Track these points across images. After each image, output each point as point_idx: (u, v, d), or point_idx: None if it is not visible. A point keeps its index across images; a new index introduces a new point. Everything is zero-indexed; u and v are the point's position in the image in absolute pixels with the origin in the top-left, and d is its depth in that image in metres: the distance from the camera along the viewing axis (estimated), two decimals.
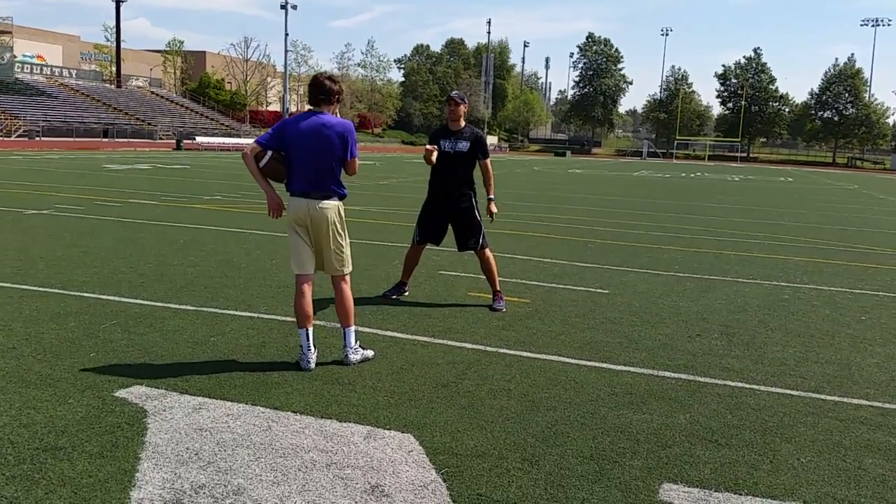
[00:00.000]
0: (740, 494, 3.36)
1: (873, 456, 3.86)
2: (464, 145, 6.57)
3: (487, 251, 6.77)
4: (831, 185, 40.83)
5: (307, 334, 4.84)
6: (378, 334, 5.64)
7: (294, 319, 5.82)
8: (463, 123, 6.68)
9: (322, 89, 4.89)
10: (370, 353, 5.02)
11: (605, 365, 5.19)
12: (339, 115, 5.03)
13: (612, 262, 9.67)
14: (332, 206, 4.88)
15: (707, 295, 7.86)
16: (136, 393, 4.20)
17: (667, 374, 5.07)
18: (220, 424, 3.80)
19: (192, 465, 3.33)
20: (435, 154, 6.46)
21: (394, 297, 6.94)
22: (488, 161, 6.71)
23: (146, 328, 5.51)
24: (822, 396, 4.77)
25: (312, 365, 4.78)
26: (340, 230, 4.95)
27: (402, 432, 3.82)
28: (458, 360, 5.11)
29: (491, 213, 6.80)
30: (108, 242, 9.33)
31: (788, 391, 4.84)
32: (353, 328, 4.97)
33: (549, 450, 3.72)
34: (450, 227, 6.82)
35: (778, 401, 4.65)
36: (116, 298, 6.39)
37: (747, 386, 4.90)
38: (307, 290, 4.94)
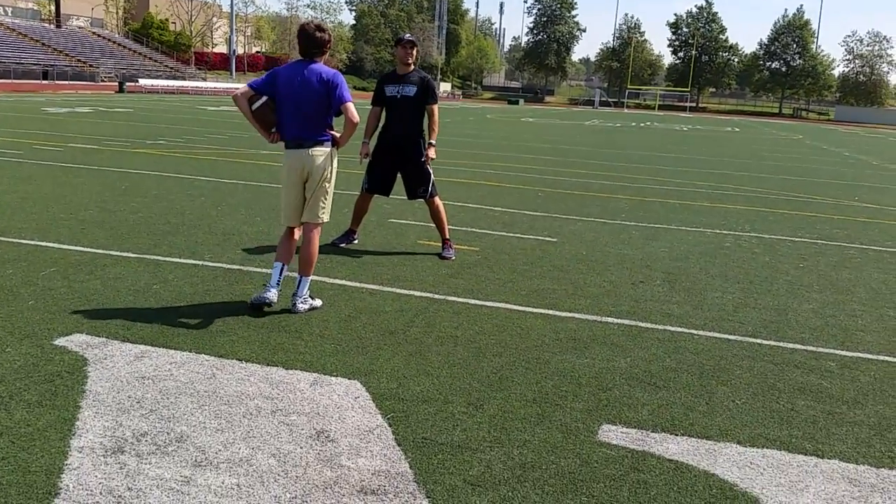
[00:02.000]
0: (676, 435, 3.46)
1: (805, 398, 4.00)
2: (410, 89, 6.48)
3: (437, 199, 6.75)
4: (777, 135, 41.55)
5: (281, 269, 4.95)
6: (326, 282, 5.62)
7: (240, 267, 5.78)
8: (412, 68, 6.58)
9: (313, 41, 4.87)
10: (318, 302, 5.00)
11: (550, 312, 5.26)
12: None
13: (562, 211, 9.74)
14: (325, 152, 4.93)
15: (651, 243, 7.99)
16: (76, 341, 4.13)
17: (610, 319, 5.17)
18: (162, 372, 3.76)
19: (134, 413, 3.30)
20: (366, 156, 6.63)
21: (342, 244, 6.90)
22: (435, 106, 6.62)
23: (86, 276, 5.40)
24: (759, 341, 4.92)
25: (273, 298, 4.84)
26: (331, 177, 5.01)
27: (349, 379, 3.84)
28: (406, 308, 5.13)
29: (428, 158, 6.65)
30: (47, 188, 9.07)
31: (726, 336, 4.98)
32: (308, 279, 4.96)
33: (493, 394, 3.78)
34: (399, 175, 6.77)
35: (716, 345, 4.78)
36: (56, 245, 6.23)
37: (686, 331, 5.03)
38: (295, 231, 5.07)
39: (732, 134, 39.64)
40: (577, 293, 5.80)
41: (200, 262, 5.95)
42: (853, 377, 4.36)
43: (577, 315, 5.22)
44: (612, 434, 3.42)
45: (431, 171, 6.69)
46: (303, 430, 3.25)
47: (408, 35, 6.61)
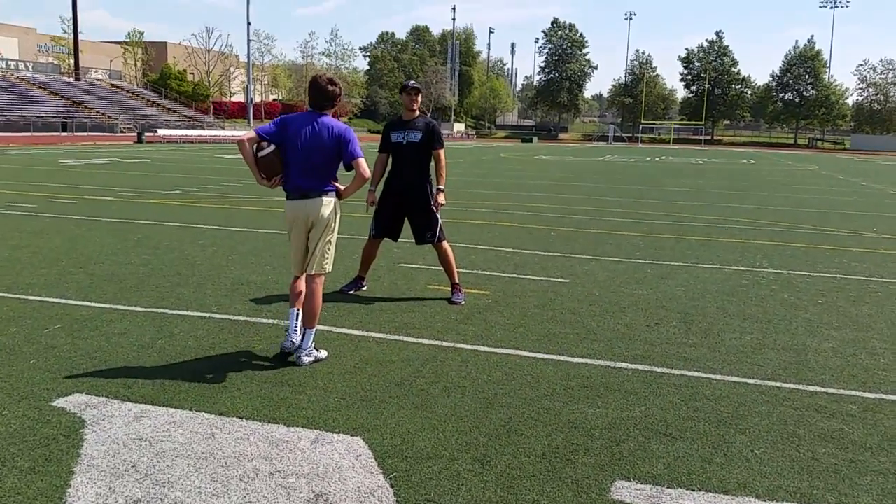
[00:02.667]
0: (692, 490, 3.31)
1: (826, 445, 3.84)
2: (416, 135, 6.46)
3: (445, 244, 6.67)
4: (792, 166, 41.34)
5: (297, 315, 4.91)
6: (332, 332, 5.53)
7: (246, 318, 5.72)
8: (417, 113, 6.56)
9: (325, 94, 4.90)
10: (323, 353, 4.91)
11: (562, 357, 5.13)
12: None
13: (575, 251, 9.63)
14: (329, 202, 4.91)
15: (667, 281, 7.84)
16: (75, 402, 4.05)
17: (624, 365, 5.03)
18: (160, 433, 3.66)
19: (129, 479, 3.20)
20: (372, 204, 6.60)
21: (351, 292, 6.82)
22: (441, 151, 6.56)
23: (91, 332, 5.34)
24: (778, 384, 4.76)
25: (297, 340, 4.84)
26: (334, 227, 4.99)
27: (352, 435, 3.72)
28: (413, 357, 5.01)
29: (437, 204, 6.57)
30: (58, 242, 9.09)
31: (745, 379, 4.82)
32: (313, 330, 4.88)
33: (501, 449, 3.64)
34: (406, 219, 6.70)
35: (734, 390, 4.62)
36: (63, 301, 6.19)
37: (704, 375, 4.87)
38: (303, 278, 5.03)
39: (748, 166, 39.47)
40: (590, 337, 5.66)
41: (207, 315, 5.88)
42: (876, 421, 4.18)
43: (589, 361, 5.08)
44: (626, 491, 3.27)
45: (439, 216, 6.62)
46: (301, 493, 3.13)
47: (412, 82, 6.59)
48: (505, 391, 4.44)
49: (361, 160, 4.85)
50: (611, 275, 8.12)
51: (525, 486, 3.27)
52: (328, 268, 4.98)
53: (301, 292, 4.98)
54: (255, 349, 5.08)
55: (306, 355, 4.78)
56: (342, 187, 4.96)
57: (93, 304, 6.10)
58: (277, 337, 5.34)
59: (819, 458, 3.68)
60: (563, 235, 11.04)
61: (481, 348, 5.28)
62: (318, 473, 3.30)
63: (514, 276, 7.88)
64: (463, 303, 6.56)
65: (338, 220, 4.99)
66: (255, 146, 4.86)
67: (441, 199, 6.57)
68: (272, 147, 4.84)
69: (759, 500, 3.25)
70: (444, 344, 5.35)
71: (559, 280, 7.73)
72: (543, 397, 4.37)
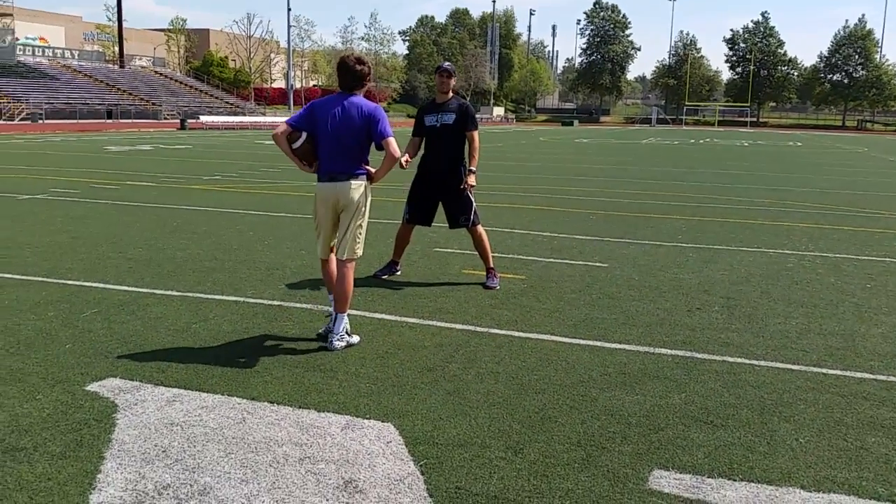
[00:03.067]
0: (734, 480, 3.19)
1: (876, 434, 3.68)
2: (449, 117, 6.36)
3: (479, 228, 6.56)
4: (840, 148, 40.30)
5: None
6: (366, 317, 5.48)
7: (280, 303, 5.71)
8: (450, 95, 6.45)
9: (354, 74, 4.82)
10: (355, 339, 4.86)
11: (598, 343, 5.01)
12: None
13: (614, 234, 9.46)
14: (359, 186, 4.83)
15: (709, 266, 7.65)
16: (108, 386, 4.06)
17: (663, 351, 4.90)
18: (192, 418, 3.65)
19: (159, 464, 3.18)
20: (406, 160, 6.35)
21: (384, 277, 6.77)
22: (475, 132, 6.45)
23: (127, 316, 5.36)
24: (824, 370, 4.59)
25: None
26: (365, 211, 4.91)
27: (383, 421, 3.66)
28: (446, 343, 4.94)
29: (469, 186, 6.44)
30: (99, 227, 9.19)
31: (789, 366, 4.66)
32: (344, 315, 4.82)
33: (534, 436, 3.55)
34: (441, 204, 6.62)
35: (778, 376, 4.47)
36: (101, 285, 6.24)
37: (747, 361, 4.72)
38: (332, 259, 4.97)
39: (794, 148, 38.58)
40: (629, 322, 5.53)
41: (242, 299, 5.88)
42: None
43: (627, 347, 4.96)
44: (665, 481, 3.16)
45: (473, 199, 6.51)
46: (330, 479, 3.08)
47: (446, 63, 6.49)
48: (539, 377, 4.35)
49: (391, 140, 4.77)
50: (651, 258, 7.95)
51: (559, 475, 3.18)
52: (359, 252, 4.92)
53: (335, 277, 4.93)
54: (288, 333, 5.05)
55: (338, 340, 4.73)
56: (373, 170, 4.89)
57: (130, 289, 6.14)
58: (311, 321, 5.31)
59: (868, 448, 3.53)
60: (602, 219, 10.86)
61: (516, 333, 5.19)
62: (348, 459, 3.25)
63: (551, 260, 7.76)
64: (498, 287, 6.46)
65: (368, 203, 4.93)
66: (289, 138, 4.82)
67: (472, 180, 6.45)
68: (304, 136, 4.80)
69: (804, 490, 3.12)
70: (478, 329, 5.27)
71: (597, 264, 7.59)
72: (579, 384, 4.26)
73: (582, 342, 5.03)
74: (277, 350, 4.70)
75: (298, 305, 5.75)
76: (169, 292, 6.05)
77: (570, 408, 3.92)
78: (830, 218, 11.51)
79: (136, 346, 4.74)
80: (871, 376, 4.50)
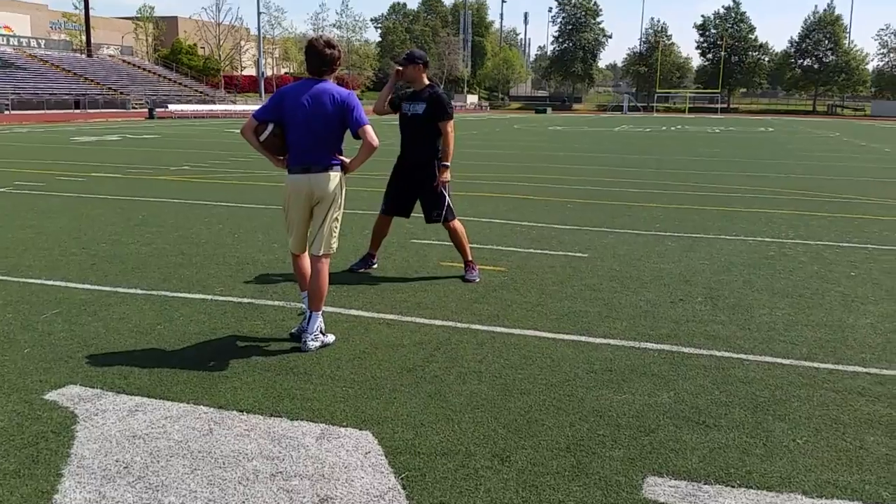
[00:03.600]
0: (732, 486, 3.03)
1: (875, 432, 3.54)
2: (419, 107, 6.07)
3: (454, 223, 6.30)
4: (812, 132, 40.57)
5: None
6: (341, 314, 5.26)
7: (251, 300, 5.48)
8: (425, 83, 6.19)
9: (323, 58, 4.53)
10: (330, 338, 4.64)
11: (583, 338, 4.84)
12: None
13: (592, 223, 9.31)
14: (335, 177, 4.57)
15: (690, 255, 7.52)
16: (68, 394, 3.81)
17: (649, 345, 4.74)
18: (156, 430, 3.41)
19: (120, 482, 2.95)
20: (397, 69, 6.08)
21: (361, 270, 6.55)
22: (447, 123, 6.08)
23: (89, 317, 5.09)
24: (815, 364, 4.46)
25: None
26: (341, 203, 4.66)
27: (360, 429, 3.46)
28: (425, 341, 4.74)
29: (441, 182, 6.16)
30: (63, 221, 8.86)
31: (779, 360, 4.52)
32: (319, 313, 4.59)
33: (521, 442, 3.37)
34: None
35: (768, 371, 4.33)
36: (63, 284, 5.96)
37: (735, 356, 4.58)
38: (305, 255, 4.74)
39: (766, 134, 38.77)
40: (612, 315, 5.37)
41: (210, 297, 5.63)
42: None
43: (612, 341, 4.80)
44: (660, 489, 2.99)
45: (447, 194, 6.25)
46: (304, 497, 2.87)
47: (408, 52, 6.17)
48: (524, 376, 4.17)
49: (368, 127, 4.52)
50: (631, 248, 7.81)
51: (549, 485, 3.00)
52: (335, 247, 4.69)
53: (308, 273, 4.70)
54: (259, 334, 4.82)
55: (312, 340, 4.51)
56: (348, 160, 4.65)
57: (93, 287, 5.87)
58: (283, 320, 5.09)
59: (868, 448, 3.39)
60: (579, 207, 10.70)
61: (498, 329, 5.01)
62: (324, 474, 3.04)
63: (531, 250, 7.58)
64: (478, 280, 6.27)
65: (344, 195, 4.70)
66: (255, 131, 4.57)
67: (445, 175, 6.17)
68: (270, 127, 4.54)
69: (806, 496, 2.97)
70: (459, 325, 5.08)
71: (577, 254, 7.43)
72: (565, 382, 4.09)
73: (566, 337, 4.86)
74: (247, 352, 4.47)
75: (270, 303, 5.51)
76: (133, 290, 5.79)
77: (556, 409, 3.74)
78: (808, 204, 11.45)
79: (97, 348, 4.49)
80: (864, 370, 4.37)
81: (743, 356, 4.58)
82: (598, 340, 4.81)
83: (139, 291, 5.76)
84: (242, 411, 3.63)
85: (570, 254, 7.46)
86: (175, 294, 5.69)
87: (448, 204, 6.23)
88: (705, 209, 10.73)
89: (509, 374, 4.19)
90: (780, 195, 12.53)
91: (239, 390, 3.89)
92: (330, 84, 4.57)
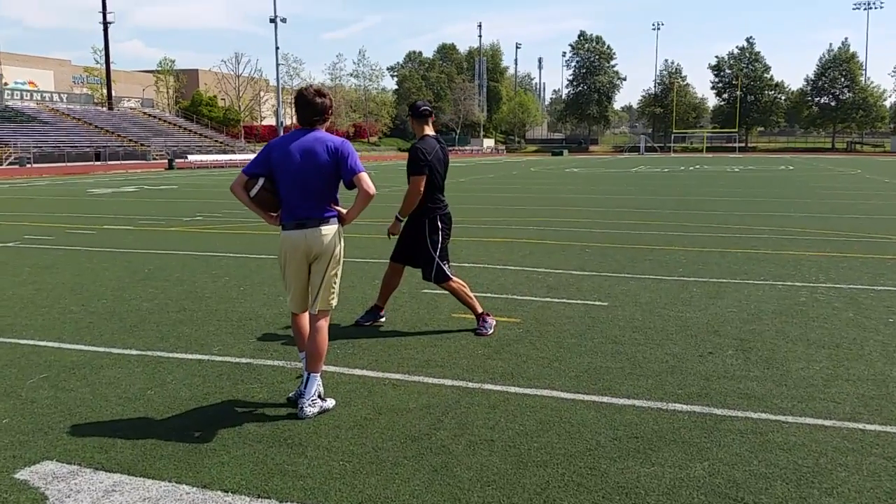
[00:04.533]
0: None
1: None
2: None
3: (450, 283, 5.93)
4: (833, 170, 40.06)
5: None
6: (343, 374, 4.92)
7: (249, 360, 5.17)
8: (422, 133, 5.91)
9: (314, 108, 4.28)
10: (330, 403, 4.29)
11: (605, 399, 4.47)
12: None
13: (611, 269, 8.94)
14: (332, 231, 4.29)
15: (717, 302, 7.13)
16: (41, 472, 3.49)
17: (678, 406, 4.35)
18: None
19: None
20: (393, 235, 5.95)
21: (367, 324, 6.22)
22: (414, 177, 5.70)
23: (77, 382, 4.79)
24: (861, 426, 4.05)
25: None
26: (340, 258, 4.38)
27: None
28: (433, 404, 4.39)
29: (389, 232, 5.87)
30: (66, 277, 8.63)
31: (820, 421, 4.12)
32: (317, 376, 4.26)
33: None
34: None
35: (810, 435, 3.93)
36: (55, 345, 5.68)
37: (773, 417, 4.18)
38: (305, 315, 4.45)
39: (787, 172, 38.32)
40: (636, 371, 4.99)
41: (207, 357, 5.31)
42: None
43: (637, 402, 4.41)
44: None
45: (436, 256, 5.87)
46: None
47: (412, 102, 5.97)
48: (540, 445, 3.80)
49: (364, 175, 4.23)
50: (653, 295, 7.43)
51: None
52: (334, 303, 4.38)
53: (307, 332, 4.39)
54: (255, 398, 4.49)
55: (310, 406, 4.16)
56: (344, 211, 4.36)
57: (86, 348, 5.58)
58: (281, 382, 4.75)
59: None
60: (597, 251, 10.35)
61: (512, 389, 4.64)
62: None
63: (547, 299, 7.22)
64: (490, 332, 5.92)
65: (342, 248, 4.39)
66: (245, 187, 4.32)
67: (392, 228, 5.84)
68: (261, 182, 4.27)
69: None
70: (470, 385, 4.72)
71: (597, 303, 7.06)
72: (586, 453, 3.71)
73: (586, 398, 4.49)
74: (240, 420, 4.14)
75: (269, 363, 5.18)
76: (127, 351, 5.49)
77: (576, 485, 3.36)
78: (837, 245, 11.02)
79: (81, 418, 4.17)
80: None
81: (781, 418, 4.18)
82: (621, 401, 4.43)
83: (133, 352, 5.46)
84: (227, 491, 3.28)
85: (588, 302, 7.09)
86: (170, 354, 5.38)
87: (437, 265, 5.89)
88: (729, 251, 10.34)
89: (524, 443, 3.82)
90: (806, 236, 12.11)
91: (226, 466, 3.54)
92: (322, 133, 4.31)
